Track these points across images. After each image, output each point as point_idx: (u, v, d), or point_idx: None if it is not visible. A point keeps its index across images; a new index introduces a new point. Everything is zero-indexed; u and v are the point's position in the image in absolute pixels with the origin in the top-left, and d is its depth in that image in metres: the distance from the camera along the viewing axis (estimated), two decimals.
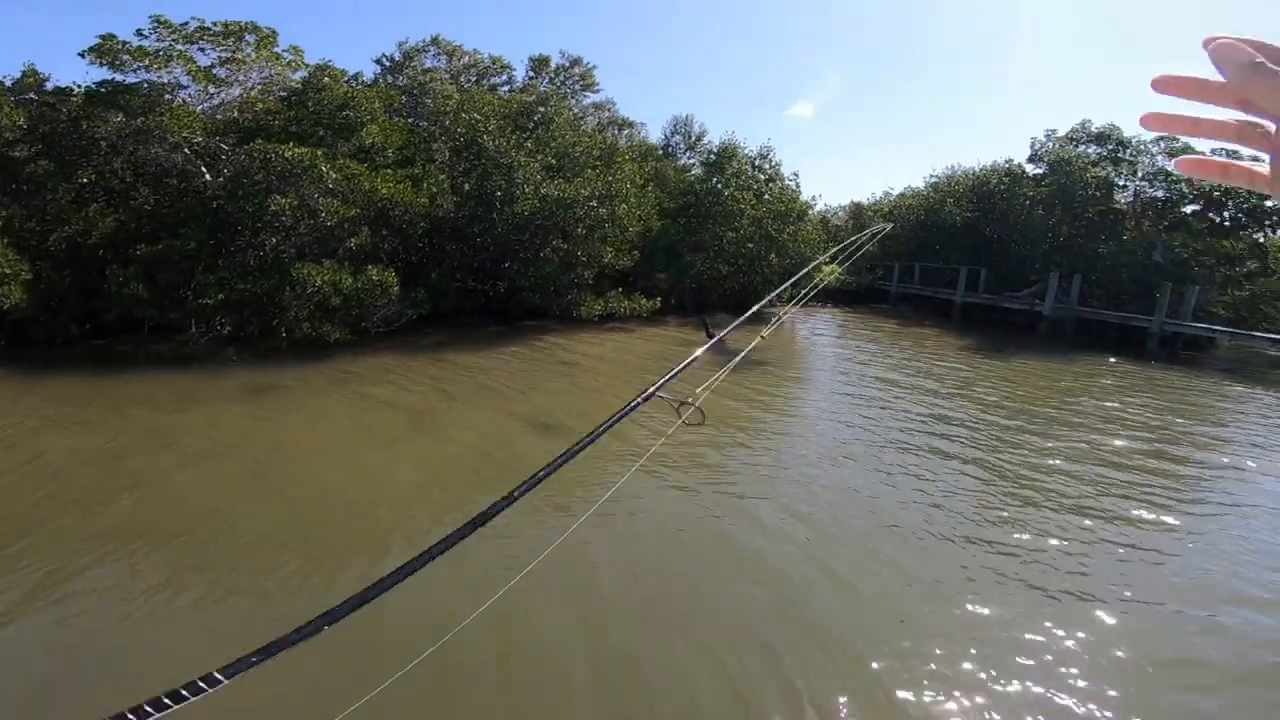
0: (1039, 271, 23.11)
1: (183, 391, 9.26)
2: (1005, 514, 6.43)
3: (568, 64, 27.20)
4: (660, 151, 25.27)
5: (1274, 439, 10.27)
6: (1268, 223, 21.99)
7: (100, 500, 5.79)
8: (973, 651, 4.16)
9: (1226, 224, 22.25)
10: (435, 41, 26.30)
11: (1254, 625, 4.69)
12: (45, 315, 10.83)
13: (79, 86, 13.50)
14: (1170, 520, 6.55)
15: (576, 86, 27.18)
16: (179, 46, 14.54)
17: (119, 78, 13.61)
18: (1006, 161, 26.33)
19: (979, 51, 77.84)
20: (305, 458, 7.08)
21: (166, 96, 13.89)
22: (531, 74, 26.93)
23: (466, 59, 26.55)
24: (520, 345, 13.97)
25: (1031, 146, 25.26)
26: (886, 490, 6.93)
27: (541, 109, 19.45)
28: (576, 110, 25.35)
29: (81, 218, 11.37)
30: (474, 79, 25.82)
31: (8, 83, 13.89)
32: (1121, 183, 23.51)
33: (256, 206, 11.85)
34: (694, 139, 26.13)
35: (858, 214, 33.11)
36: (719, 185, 20.28)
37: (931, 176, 30.00)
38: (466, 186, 15.17)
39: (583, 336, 15.23)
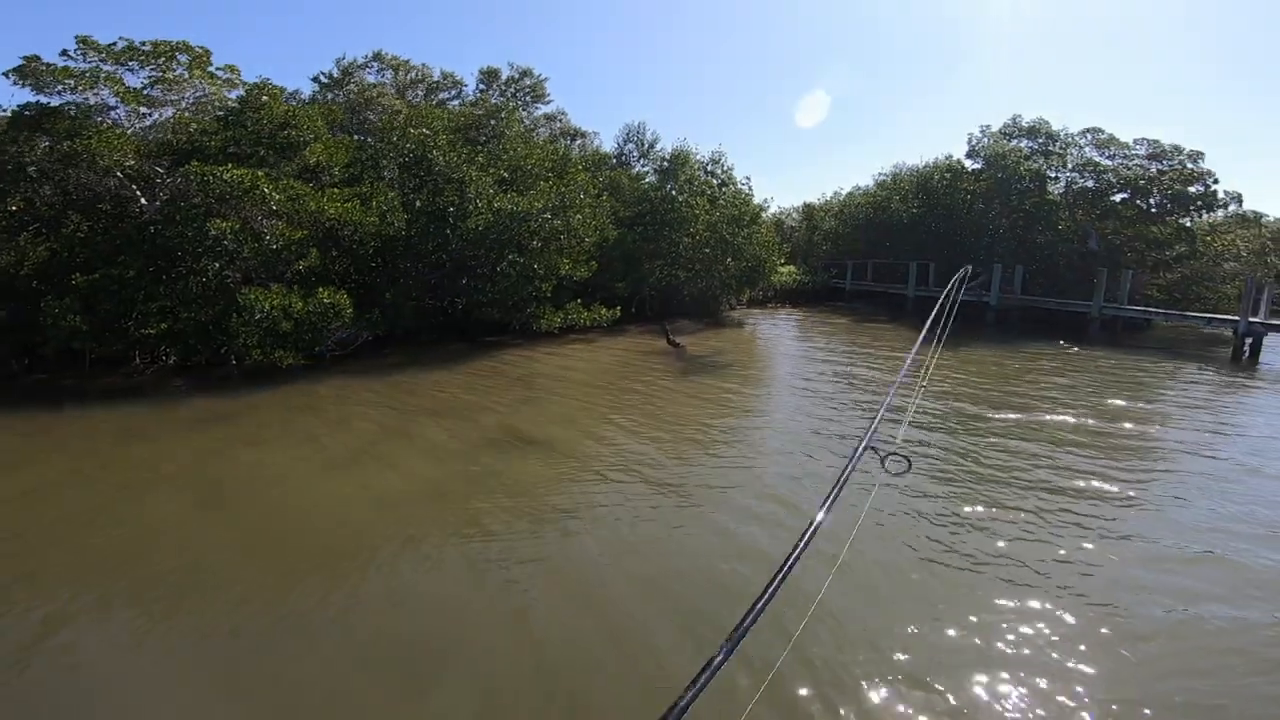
0: (983, 263, 24.20)
1: (130, 425, 8.96)
2: (967, 481, 6.83)
3: (518, 75, 27.26)
4: (614, 160, 25.53)
5: (1193, 404, 11.20)
6: (1192, 208, 23.58)
7: (52, 538, 5.61)
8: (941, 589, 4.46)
9: (1153, 210, 23.75)
10: (378, 57, 26.03)
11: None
12: None
13: (2, 110, 12.97)
14: (1113, 479, 7.11)
15: (527, 98, 27.25)
16: (107, 67, 14.10)
17: (44, 100, 13.13)
18: (947, 158, 27.50)
19: (921, 50, 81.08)
20: (262, 487, 6.97)
21: (95, 119, 13.45)
22: (483, 86, 26.89)
23: (414, 73, 26.36)
24: (481, 362, 13.95)
25: (969, 142, 26.48)
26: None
27: (492, 122, 19.50)
28: (528, 122, 25.42)
29: (12, 247, 10.88)
30: (422, 94, 25.64)
31: None
32: (1053, 174, 24.87)
33: (196, 231, 11.54)
34: (647, 146, 26.49)
35: (810, 215, 34.06)
36: (673, 191, 20.65)
37: (880, 175, 31.10)
38: (418, 203, 15.07)
39: (544, 350, 15.29)
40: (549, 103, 27.90)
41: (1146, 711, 3.69)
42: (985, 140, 25.87)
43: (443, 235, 14.80)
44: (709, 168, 23.25)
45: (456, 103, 25.46)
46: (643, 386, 11.95)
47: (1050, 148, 24.80)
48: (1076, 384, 12.88)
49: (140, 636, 4.32)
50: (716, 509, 6.47)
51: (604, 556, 5.49)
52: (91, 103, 13.88)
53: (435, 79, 26.66)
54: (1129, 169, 23.71)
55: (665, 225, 19.77)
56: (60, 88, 13.48)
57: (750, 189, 23.41)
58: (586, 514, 6.31)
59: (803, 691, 3.76)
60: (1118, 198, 24.16)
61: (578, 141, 27.23)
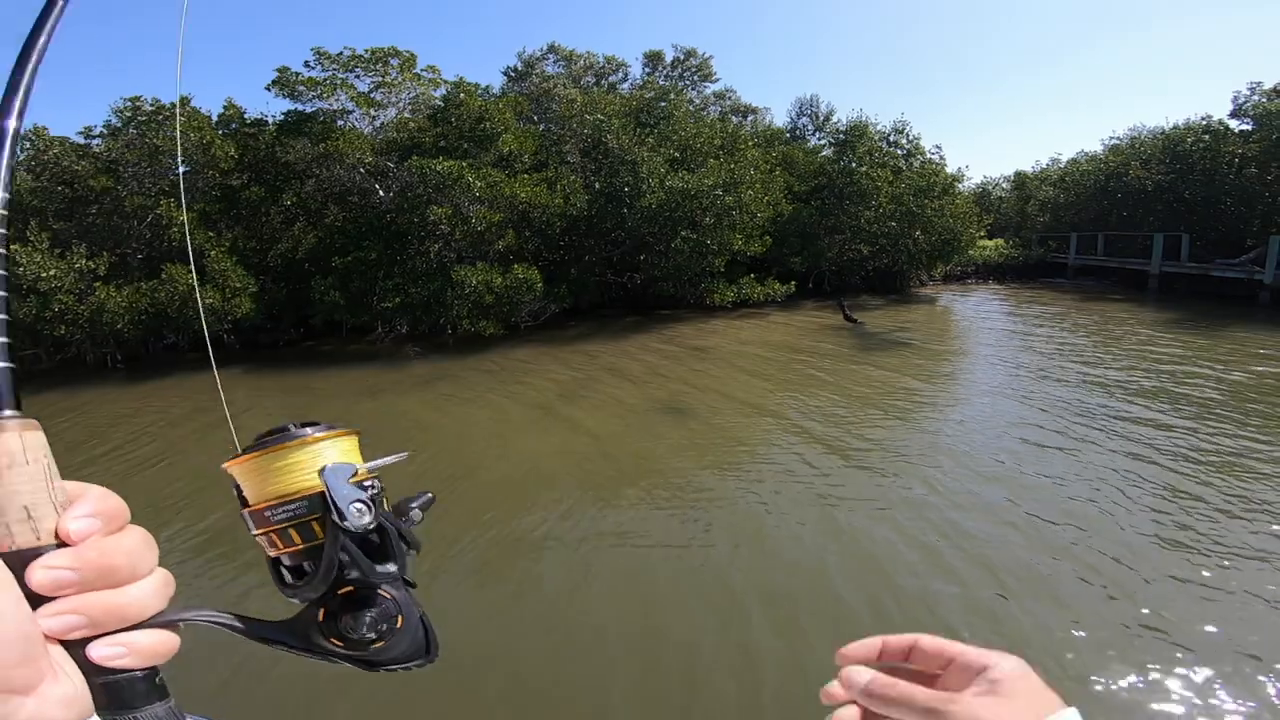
0: (1257, 235, 21.12)
1: (373, 384, 11.59)
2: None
3: (682, 56, 28.81)
4: (788, 135, 25.99)
5: None
6: None
7: None
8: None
9: None
10: (552, 49, 29.09)
11: None
12: (269, 322, 13.97)
13: (269, 117, 16.89)
14: None
15: (695, 78, 28.69)
16: (340, 74, 17.74)
17: (299, 107, 16.85)
18: (1204, 119, 24.60)
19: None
20: (471, 436, 8.69)
21: (339, 122, 17.07)
22: (648, 70, 28.84)
23: (583, 62, 29.07)
24: (656, 334, 15.40)
25: (1234, 101, 23.74)
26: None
27: (662, 104, 21.06)
28: (697, 101, 26.78)
29: (289, 236, 14.50)
30: (593, 80, 28.19)
31: (213, 117, 17.27)
32: None
33: (420, 217, 14.37)
34: (822, 119, 26.57)
35: (1021, 184, 31.71)
36: (851, 164, 20.67)
37: (1112, 138, 28.35)
38: (596, 185, 17.00)
39: (716, 324, 16.39)
40: (716, 81, 29.10)
41: None
42: (1257, 99, 22.94)
43: (620, 214, 16.56)
44: (891, 138, 22.83)
45: (626, 86, 27.57)
46: (812, 361, 12.48)
47: None
48: None
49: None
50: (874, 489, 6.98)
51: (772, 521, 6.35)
52: (334, 108, 17.66)
53: (601, 65, 29.16)
54: None
55: (844, 199, 19.90)
56: (310, 96, 17.28)
57: (942, 158, 22.55)
58: (755, 481, 6.96)
59: None
60: None
61: (749, 118, 28.05)
